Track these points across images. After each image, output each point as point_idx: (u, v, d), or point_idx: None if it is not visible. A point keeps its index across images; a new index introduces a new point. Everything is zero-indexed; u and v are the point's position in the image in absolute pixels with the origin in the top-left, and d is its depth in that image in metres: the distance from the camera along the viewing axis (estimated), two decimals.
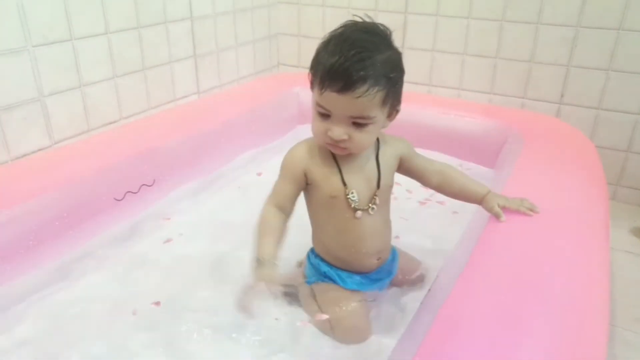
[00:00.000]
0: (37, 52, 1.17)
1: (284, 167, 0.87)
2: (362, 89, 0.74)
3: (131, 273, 1.07)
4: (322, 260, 0.93)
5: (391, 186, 0.91)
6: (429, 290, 0.87)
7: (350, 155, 0.85)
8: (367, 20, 0.81)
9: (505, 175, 1.13)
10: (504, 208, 0.90)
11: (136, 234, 1.19)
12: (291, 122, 1.74)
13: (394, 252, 0.99)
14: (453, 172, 0.94)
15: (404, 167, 0.93)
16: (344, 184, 0.85)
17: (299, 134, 1.75)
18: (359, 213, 0.86)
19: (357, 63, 0.74)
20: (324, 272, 0.93)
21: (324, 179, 0.85)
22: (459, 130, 1.50)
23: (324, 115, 0.79)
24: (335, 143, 0.80)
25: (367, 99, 0.75)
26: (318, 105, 0.79)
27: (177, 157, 1.32)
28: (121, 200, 1.16)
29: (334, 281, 0.92)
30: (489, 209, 0.91)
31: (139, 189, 1.21)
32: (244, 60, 1.86)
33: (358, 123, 0.78)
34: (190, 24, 1.59)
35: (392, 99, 0.80)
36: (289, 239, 0.94)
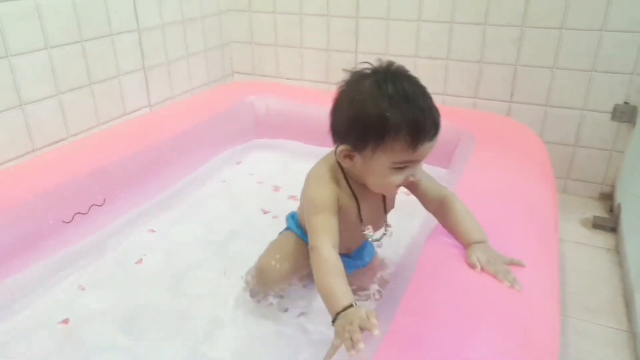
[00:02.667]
0: None
1: (322, 202, 0.84)
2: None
3: (81, 299, 1.03)
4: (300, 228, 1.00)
5: (393, 206, 0.96)
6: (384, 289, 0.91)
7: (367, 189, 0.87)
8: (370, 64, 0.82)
9: (458, 175, 1.15)
10: (482, 268, 0.79)
11: (95, 254, 1.15)
12: (247, 131, 1.72)
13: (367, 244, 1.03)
14: (451, 207, 0.88)
15: (406, 184, 0.88)
16: (361, 220, 0.90)
17: (256, 144, 1.74)
18: (370, 240, 0.93)
19: (433, 107, 0.78)
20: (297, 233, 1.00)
21: (346, 212, 0.88)
22: None
23: (402, 167, 0.80)
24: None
25: None
26: (403, 162, 0.79)
27: (130, 174, 1.28)
28: (69, 222, 1.11)
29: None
30: (468, 257, 0.82)
31: (89, 209, 1.16)
32: (196, 71, 1.82)
33: None
34: (137, 35, 1.54)
35: None
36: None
